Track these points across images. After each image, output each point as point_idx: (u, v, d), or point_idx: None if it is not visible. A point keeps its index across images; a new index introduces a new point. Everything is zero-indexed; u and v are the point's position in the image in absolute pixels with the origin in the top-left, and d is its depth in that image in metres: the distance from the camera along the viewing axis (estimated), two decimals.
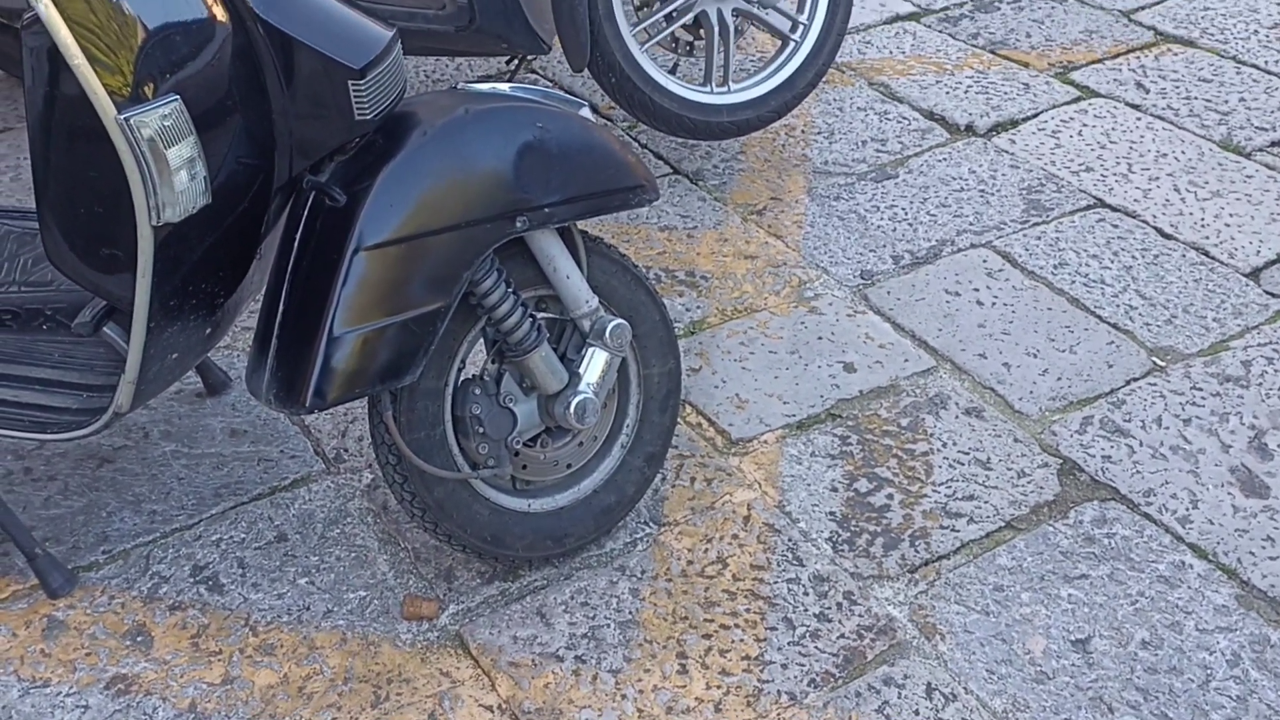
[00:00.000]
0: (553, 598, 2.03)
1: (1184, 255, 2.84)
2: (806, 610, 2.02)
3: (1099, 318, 2.65)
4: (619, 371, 2.04)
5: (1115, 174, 3.13)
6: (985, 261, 2.82)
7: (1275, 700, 1.88)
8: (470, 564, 2.09)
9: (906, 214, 2.98)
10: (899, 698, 1.88)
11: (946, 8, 3.93)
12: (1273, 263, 2.81)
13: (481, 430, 1.90)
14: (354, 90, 1.70)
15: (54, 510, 2.18)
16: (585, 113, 1.89)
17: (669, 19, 2.99)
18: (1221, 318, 2.65)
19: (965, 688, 1.90)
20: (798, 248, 2.87)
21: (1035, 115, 3.37)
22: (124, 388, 1.78)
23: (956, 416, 2.40)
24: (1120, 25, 3.81)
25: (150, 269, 1.66)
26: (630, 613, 2.01)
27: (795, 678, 1.91)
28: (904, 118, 3.36)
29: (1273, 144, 3.24)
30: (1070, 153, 3.21)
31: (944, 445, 2.34)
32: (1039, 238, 2.90)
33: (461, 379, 1.91)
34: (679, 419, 2.31)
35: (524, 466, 2.01)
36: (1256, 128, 3.30)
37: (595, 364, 1.95)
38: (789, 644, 1.96)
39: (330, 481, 2.24)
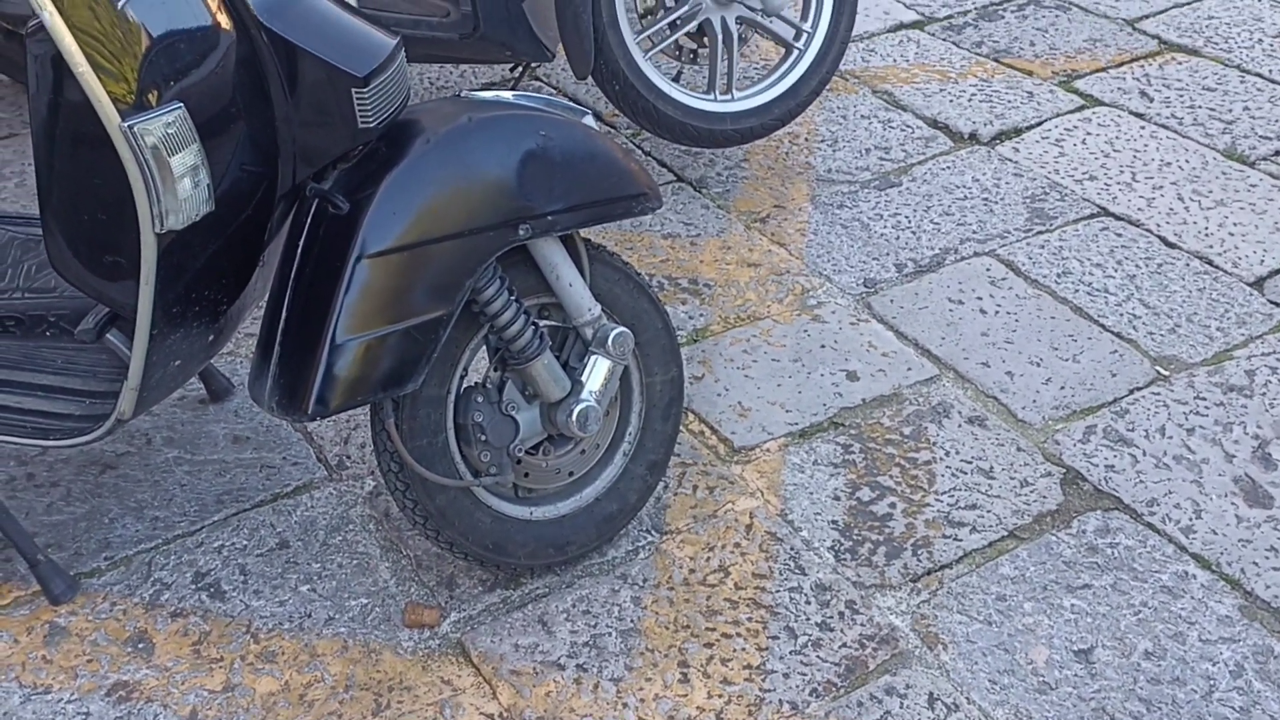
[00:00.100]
0: (554, 606, 2.03)
1: (1188, 264, 2.84)
2: (808, 619, 2.01)
3: (1102, 327, 2.65)
4: (621, 379, 2.03)
5: (1119, 183, 3.12)
6: (989, 270, 2.82)
7: (1279, 711, 1.88)
8: (472, 571, 2.08)
9: (910, 222, 2.98)
10: (901, 707, 1.88)
11: (950, 16, 3.93)
12: (1276, 272, 2.81)
13: (484, 438, 1.90)
14: (357, 98, 1.70)
15: (56, 516, 2.18)
16: (588, 120, 1.90)
17: (673, 27, 2.99)
18: (1225, 327, 2.65)
19: (967, 698, 1.90)
20: (801, 255, 2.87)
21: (1039, 124, 3.37)
22: (126, 394, 1.78)
23: (959, 425, 2.40)
24: (1124, 34, 3.81)
25: (153, 276, 1.66)
26: (632, 621, 2.01)
27: (797, 687, 1.91)
28: (908, 126, 3.36)
29: (1277, 153, 3.23)
30: (1074, 161, 3.21)
31: (947, 454, 2.33)
32: (1042, 246, 2.90)
33: (464, 386, 1.91)
34: (681, 427, 2.31)
35: (526, 474, 2.01)
36: (1261, 137, 3.30)
37: (598, 372, 1.95)
38: (791, 653, 1.96)
39: (332, 488, 2.24)
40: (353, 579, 2.07)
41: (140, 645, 1.96)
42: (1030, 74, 3.60)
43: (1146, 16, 3.91)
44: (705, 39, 3.06)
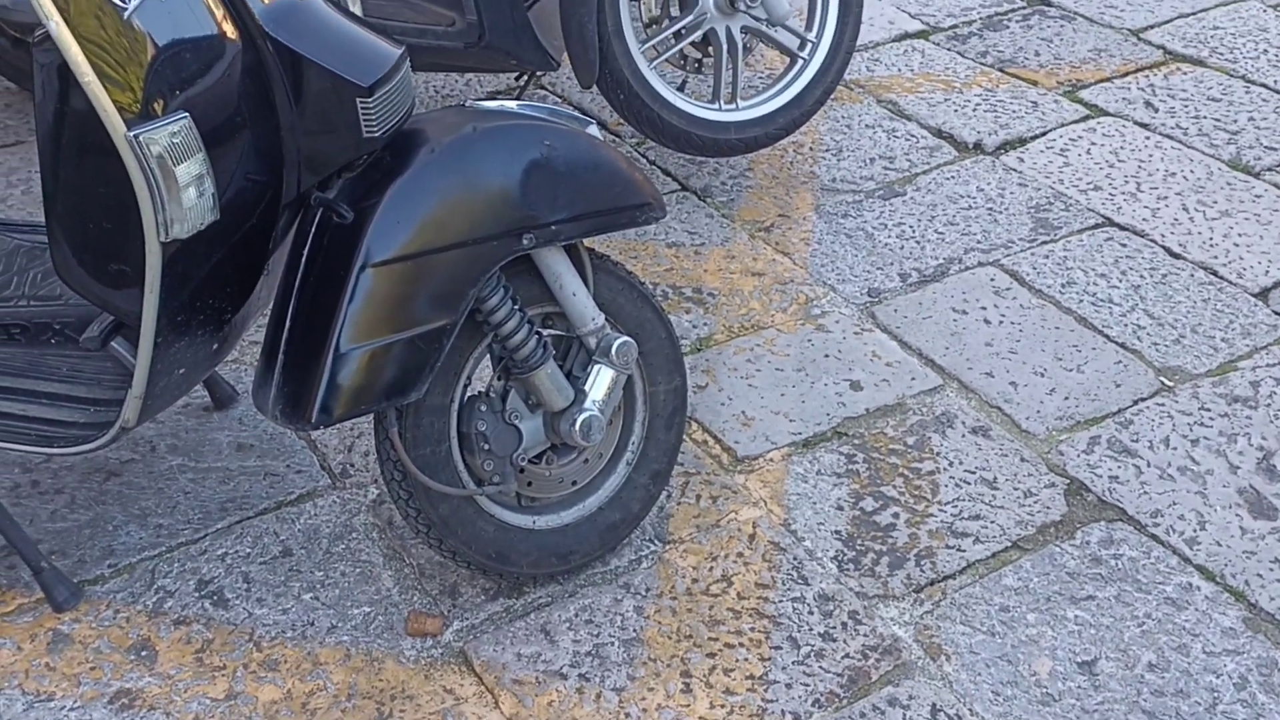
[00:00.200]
0: (557, 615, 2.03)
1: (1192, 275, 2.83)
2: (811, 629, 2.01)
3: (1107, 337, 2.65)
4: (625, 389, 2.04)
5: (1124, 193, 3.12)
6: (993, 280, 2.82)
7: None
8: (475, 580, 2.08)
9: (914, 232, 2.98)
10: (904, 718, 1.87)
11: (955, 26, 3.93)
12: None
13: (487, 447, 1.90)
14: (362, 108, 1.70)
15: (60, 524, 2.18)
16: (593, 130, 1.90)
17: (678, 36, 3.00)
18: (1230, 338, 2.64)
19: (970, 709, 1.89)
20: (805, 265, 2.87)
21: (1044, 133, 3.37)
22: (131, 402, 1.78)
23: (963, 435, 2.40)
24: (1129, 44, 3.82)
25: (158, 284, 1.66)
26: (634, 631, 2.01)
27: (800, 697, 1.90)
28: (912, 135, 3.36)
29: None
30: (1078, 171, 3.21)
31: (950, 464, 2.33)
32: (1047, 256, 2.89)
33: (467, 396, 1.92)
34: (685, 436, 2.31)
35: (529, 483, 2.01)
36: (1265, 147, 3.30)
37: (601, 381, 1.95)
38: (793, 663, 1.96)
39: (336, 497, 2.25)
40: (356, 587, 2.07)
41: (143, 653, 1.96)
42: (1035, 84, 3.60)
43: (1151, 27, 3.91)
44: (710, 48, 3.06)
